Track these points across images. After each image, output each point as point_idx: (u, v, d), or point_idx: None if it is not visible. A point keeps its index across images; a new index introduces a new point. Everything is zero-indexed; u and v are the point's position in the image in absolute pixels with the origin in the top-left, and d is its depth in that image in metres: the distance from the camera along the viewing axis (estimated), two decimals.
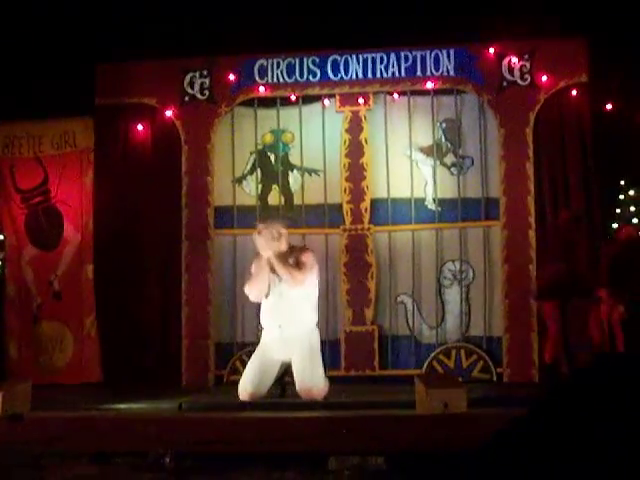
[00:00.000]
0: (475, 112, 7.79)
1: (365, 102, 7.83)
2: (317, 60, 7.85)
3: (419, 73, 7.74)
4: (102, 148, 8.07)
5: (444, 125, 7.88)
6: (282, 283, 6.07)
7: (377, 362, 7.63)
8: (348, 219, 7.79)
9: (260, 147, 8.03)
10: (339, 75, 7.81)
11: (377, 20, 7.60)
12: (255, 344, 6.58)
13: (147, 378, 7.51)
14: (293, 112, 8.00)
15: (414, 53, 7.74)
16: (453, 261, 7.76)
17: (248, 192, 8.05)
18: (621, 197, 7.92)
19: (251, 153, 8.05)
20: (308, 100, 7.96)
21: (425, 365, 7.53)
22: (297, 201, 7.95)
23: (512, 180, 7.53)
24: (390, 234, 7.82)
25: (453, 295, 7.75)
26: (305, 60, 7.86)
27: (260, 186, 8.01)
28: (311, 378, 6.00)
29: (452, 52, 7.70)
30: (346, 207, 7.81)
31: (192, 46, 7.80)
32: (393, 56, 7.76)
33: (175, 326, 7.80)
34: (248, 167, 8.06)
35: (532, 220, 7.49)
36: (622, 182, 7.84)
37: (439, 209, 7.78)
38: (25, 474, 4.78)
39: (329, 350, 7.31)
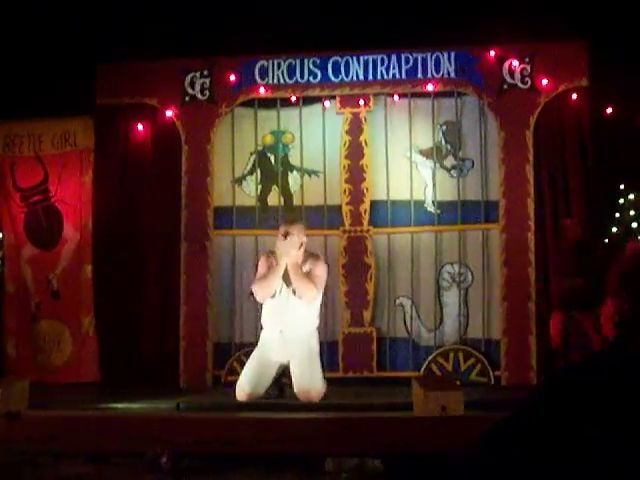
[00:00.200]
0: (475, 115, 7.78)
1: (365, 104, 7.82)
2: (318, 61, 7.84)
3: (420, 75, 7.73)
4: (102, 148, 8.05)
5: (444, 127, 7.87)
6: (290, 288, 6.06)
7: (375, 364, 7.61)
8: (347, 221, 7.78)
9: (260, 148, 8.01)
10: (340, 76, 7.80)
11: (378, 22, 7.59)
12: (253, 345, 6.58)
13: (145, 378, 7.49)
14: (293, 113, 7.99)
15: (415, 55, 7.73)
16: (452, 264, 7.75)
17: (248, 193, 8.03)
18: (621, 201, 7.90)
19: (251, 154, 8.04)
20: (308, 101, 7.95)
21: (423, 367, 7.51)
22: (297, 202, 7.95)
23: (512, 183, 7.51)
24: (389, 236, 7.81)
25: (452, 298, 7.73)
26: (306, 61, 7.84)
27: (260, 187, 8.00)
28: (310, 380, 6.00)
29: (453, 54, 7.69)
30: (345, 209, 7.79)
31: (193, 46, 7.79)
32: (394, 58, 7.74)
33: (173, 326, 7.79)
34: (248, 168, 8.05)
35: (531, 223, 7.47)
36: (622, 186, 7.82)
37: (438, 211, 7.77)
38: (22, 472, 4.78)
39: (327, 351, 7.30)
